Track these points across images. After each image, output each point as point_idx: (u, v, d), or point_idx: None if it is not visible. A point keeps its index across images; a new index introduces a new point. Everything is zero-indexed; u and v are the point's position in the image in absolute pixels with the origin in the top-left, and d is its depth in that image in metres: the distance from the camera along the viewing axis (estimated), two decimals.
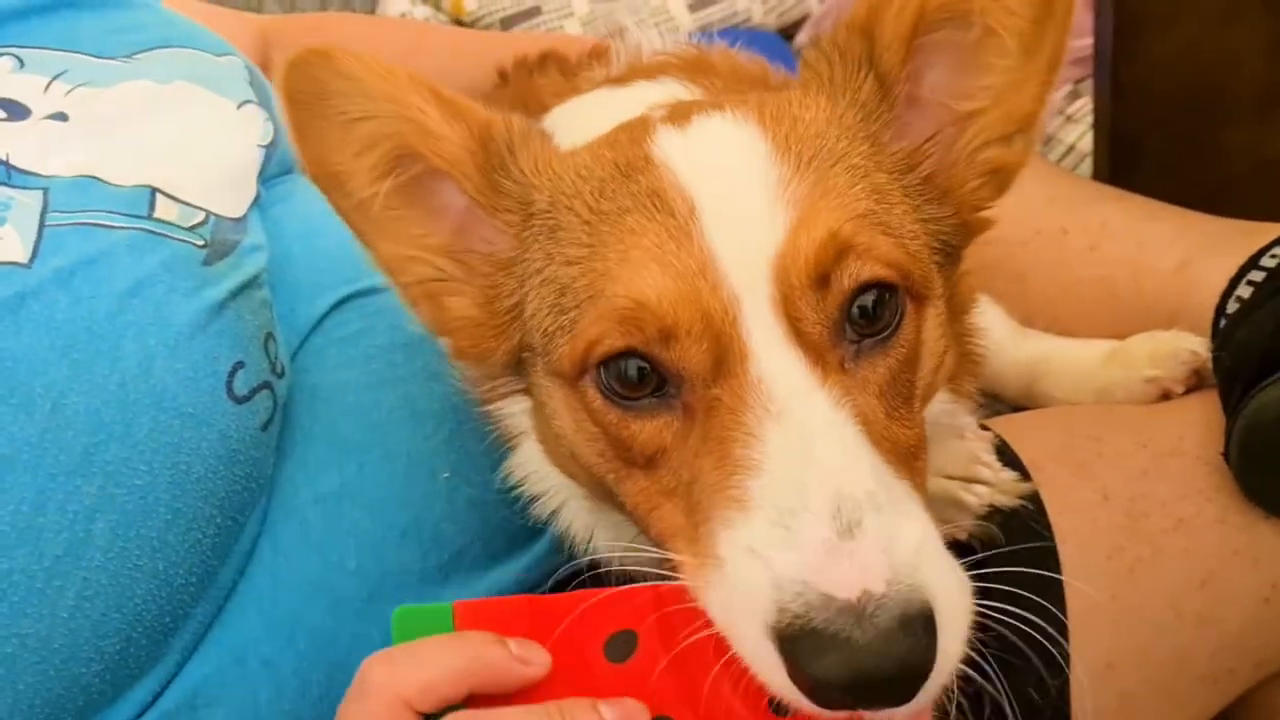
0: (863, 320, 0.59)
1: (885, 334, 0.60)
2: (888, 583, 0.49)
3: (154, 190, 0.78)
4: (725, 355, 0.57)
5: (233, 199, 0.83)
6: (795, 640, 0.49)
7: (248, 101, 0.90)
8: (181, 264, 0.75)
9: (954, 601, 0.52)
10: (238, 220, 0.82)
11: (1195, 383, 0.92)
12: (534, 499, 0.77)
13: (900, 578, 0.50)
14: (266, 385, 0.77)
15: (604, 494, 0.69)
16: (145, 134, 0.81)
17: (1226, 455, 0.82)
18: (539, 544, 0.87)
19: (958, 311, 0.71)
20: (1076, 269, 1.04)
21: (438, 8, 2.08)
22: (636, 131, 0.66)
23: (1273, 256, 0.90)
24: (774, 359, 0.57)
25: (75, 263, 0.71)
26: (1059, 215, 1.08)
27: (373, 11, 2.06)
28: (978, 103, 0.67)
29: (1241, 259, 0.93)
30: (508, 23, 2.04)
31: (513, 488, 0.86)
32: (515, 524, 0.87)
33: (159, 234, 0.76)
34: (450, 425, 0.85)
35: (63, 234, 0.72)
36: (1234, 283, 0.92)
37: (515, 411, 0.75)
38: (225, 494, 0.74)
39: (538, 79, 1.03)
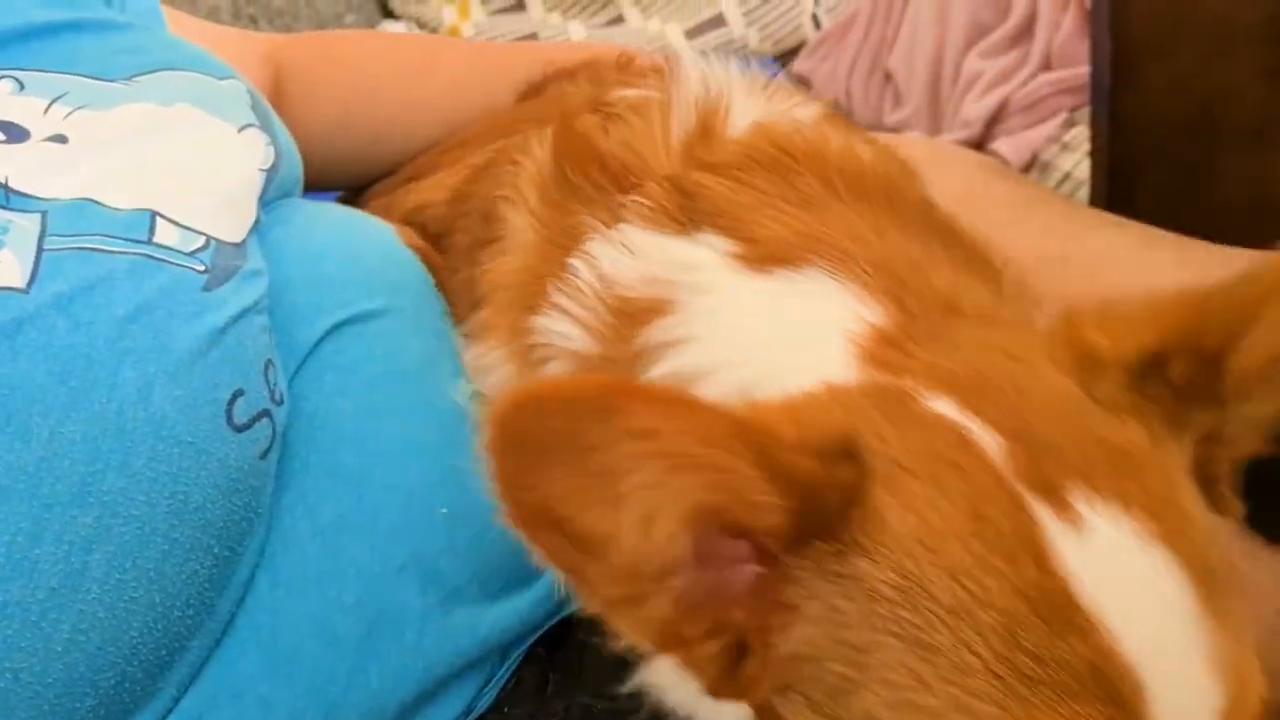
0: None
1: None
2: None
3: (154, 214, 0.77)
4: None
5: (233, 223, 0.82)
6: None
7: (249, 125, 0.90)
8: (182, 290, 0.74)
9: None
10: (238, 245, 0.81)
11: None
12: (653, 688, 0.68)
13: None
14: (266, 413, 0.76)
15: None
16: (146, 157, 0.80)
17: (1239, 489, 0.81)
18: (536, 587, 0.85)
19: None
20: (1081, 295, 1.04)
21: (435, 33, 2.08)
22: (1019, 523, 0.51)
23: None
24: None
25: (74, 288, 0.70)
26: (1059, 242, 1.08)
27: None
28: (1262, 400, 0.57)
29: None
30: None
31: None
32: (511, 566, 0.86)
33: (159, 259, 0.75)
34: (450, 460, 0.84)
35: (61, 258, 0.71)
36: None
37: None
38: (223, 524, 0.73)
39: (567, 85, 0.94)
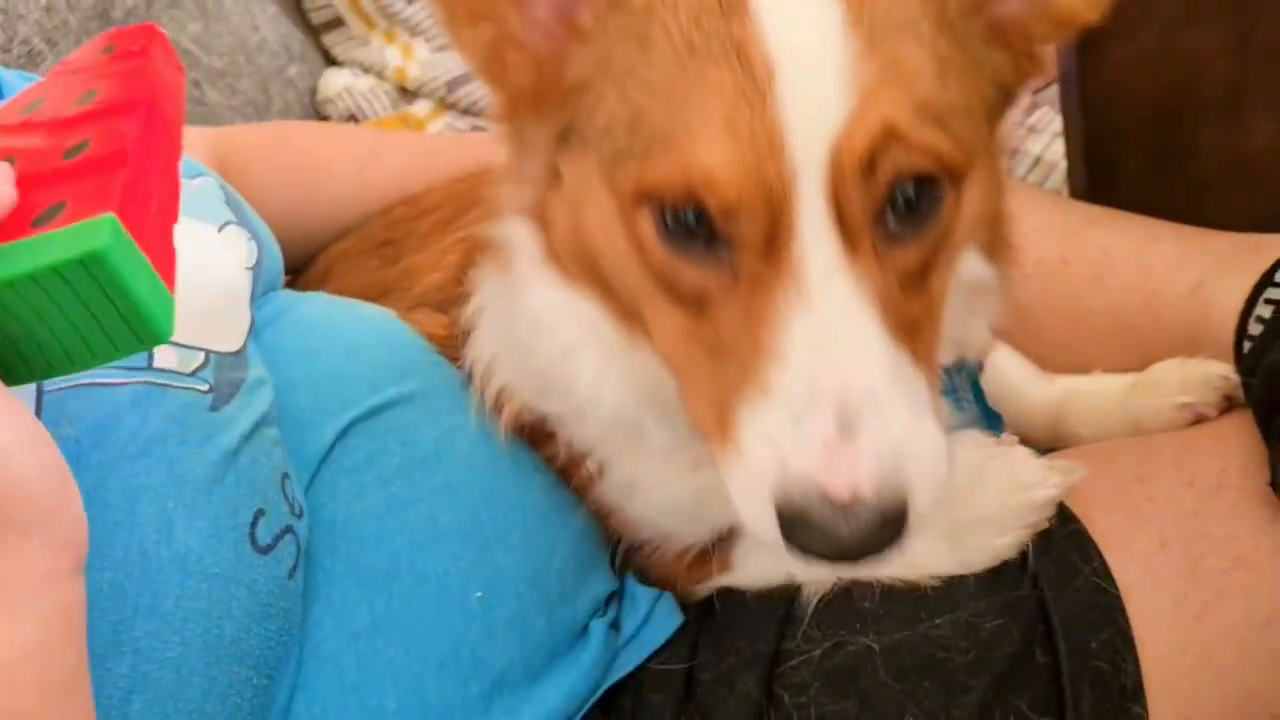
0: (905, 208, 0.61)
1: (921, 222, 0.62)
2: (877, 489, 0.56)
3: None
4: (776, 231, 0.59)
5: (229, 332, 0.79)
6: (790, 521, 0.58)
7: (228, 223, 0.87)
8: (188, 414, 0.71)
9: (929, 486, 0.58)
10: (237, 354, 0.78)
11: (1227, 406, 0.91)
12: (545, 335, 0.78)
13: (887, 480, 0.56)
14: (289, 529, 0.73)
15: (617, 307, 0.71)
16: None
17: (1274, 485, 0.80)
18: (582, 657, 0.83)
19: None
20: (1085, 300, 1.03)
21: (381, 76, 2.04)
22: None
23: None
24: (814, 239, 0.59)
25: (80, 429, 0.67)
26: (1055, 244, 1.07)
27: (314, 84, 2.02)
28: None
29: (1254, 277, 0.92)
30: (453, 85, 2.00)
31: (547, 598, 0.83)
32: (555, 636, 0.83)
33: (161, 384, 0.72)
34: (478, 541, 0.81)
35: (62, 399, 0.68)
36: (1251, 302, 0.91)
37: (519, 238, 0.76)
38: (260, 653, 0.70)
39: None
